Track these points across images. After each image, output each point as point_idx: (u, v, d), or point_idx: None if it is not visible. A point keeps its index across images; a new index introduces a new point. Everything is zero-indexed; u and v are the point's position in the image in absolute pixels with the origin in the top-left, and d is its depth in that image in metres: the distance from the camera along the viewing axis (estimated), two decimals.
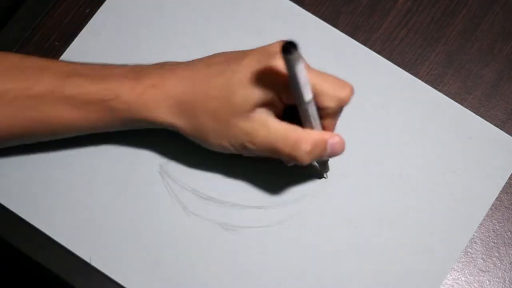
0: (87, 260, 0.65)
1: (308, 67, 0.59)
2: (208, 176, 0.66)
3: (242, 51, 0.61)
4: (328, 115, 0.61)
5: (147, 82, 0.61)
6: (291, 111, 0.61)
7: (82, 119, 0.62)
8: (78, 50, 0.70)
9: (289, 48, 0.53)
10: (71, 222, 0.66)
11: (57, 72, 0.61)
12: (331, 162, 0.66)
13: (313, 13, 0.71)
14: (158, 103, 0.61)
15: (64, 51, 0.70)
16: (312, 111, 0.59)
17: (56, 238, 0.65)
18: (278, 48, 0.59)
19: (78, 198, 0.66)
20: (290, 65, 0.54)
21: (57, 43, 0.71)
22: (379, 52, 0.70)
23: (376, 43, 0.71)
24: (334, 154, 0.62)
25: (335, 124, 0.62)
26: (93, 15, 0.71)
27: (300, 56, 0.54)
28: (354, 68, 0.70)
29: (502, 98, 0.69)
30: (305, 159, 0.60)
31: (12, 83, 0.61)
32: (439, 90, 0.69)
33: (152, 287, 0.64)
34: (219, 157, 0.64)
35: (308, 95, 0.57)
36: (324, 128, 0.62)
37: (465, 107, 0.69)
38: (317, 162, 0.66)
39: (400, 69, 0.70)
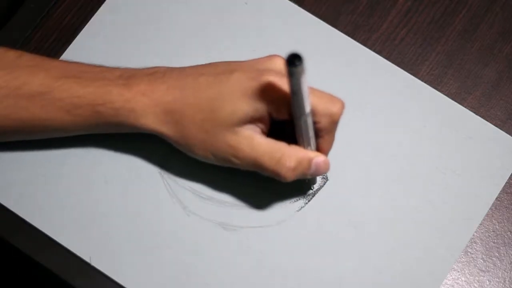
0: (87, 260, 0.65)
1: None
2: (208, 176, 0.66)
3: (232, 64, 0.62)
4: (322, 131, 0.61)
5: (136, 89, 0.61)
6: (278, 128, 0.61)
7: (69, 121, 0.62)
8: (78, 50, 0.70)
9: (294, 61, 0.52)
10: (71, 222, 0.66)
11: (49, 74, 0.62)
12: (332, 161, 0.66)
13: (313, 13, 0.71)
14: (146, 110, 0.61)
15: (64, 51, 0.70)
16: (310, 124, 0.59)
17: (56, 238, 0.65)
18: (268, 64, 0.60)
19: (78, 198, 0.66)
20: (293, 77, 0.54)
21: (57, 43, 0.71)
22: (379, 52, 0.70)
23: (376, 43, 0.71)
24: (317, 173, 0.62)
25: (331, 141, 0.63)
26: (93, 15, 0.71)
27: (304, 69, 0.53)
28: (354, 68, 0.70)
29: (502, 98, 0.69)
30: (289, 176, 0.61)
31: (3, 82, 0.61)
32: (439, 90, 0.69)
33: (152, 287, 0.64)
34: None
35: (308, 108, 0.57)
36: (320, 146, 0.62)
37: (465, 107, 0.69)
38: None
39: (400, 69, 0.70)
